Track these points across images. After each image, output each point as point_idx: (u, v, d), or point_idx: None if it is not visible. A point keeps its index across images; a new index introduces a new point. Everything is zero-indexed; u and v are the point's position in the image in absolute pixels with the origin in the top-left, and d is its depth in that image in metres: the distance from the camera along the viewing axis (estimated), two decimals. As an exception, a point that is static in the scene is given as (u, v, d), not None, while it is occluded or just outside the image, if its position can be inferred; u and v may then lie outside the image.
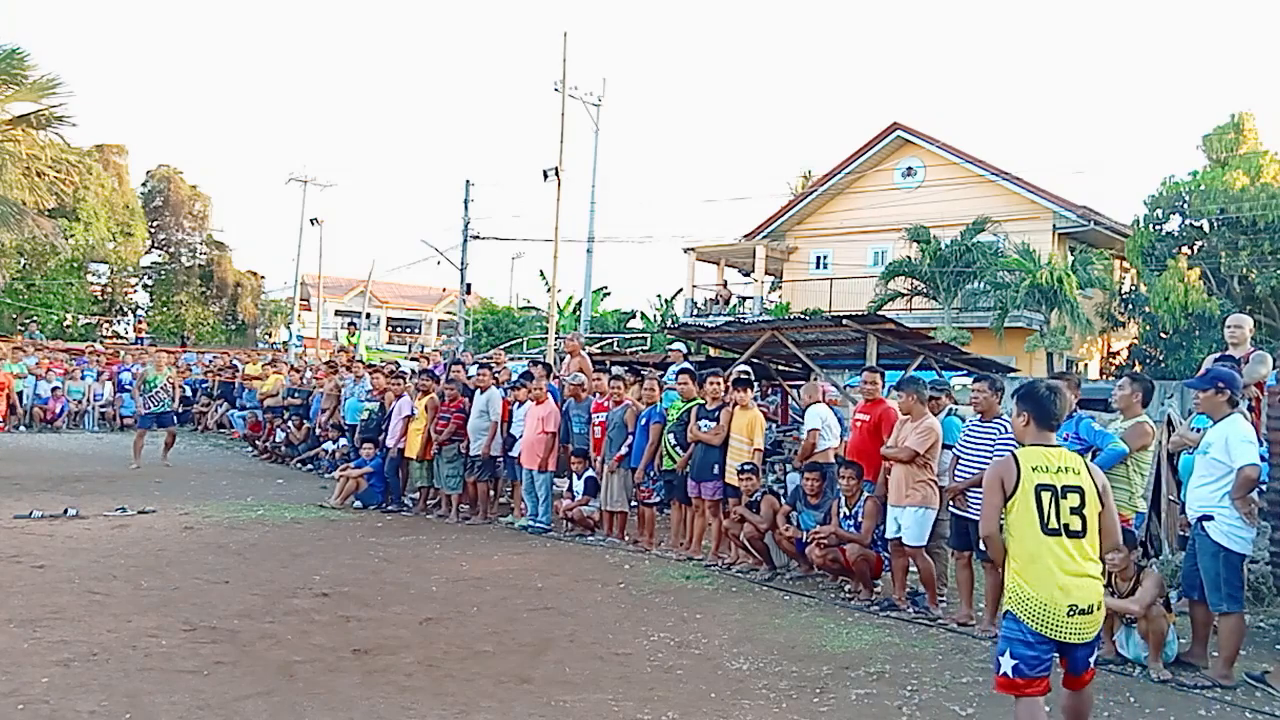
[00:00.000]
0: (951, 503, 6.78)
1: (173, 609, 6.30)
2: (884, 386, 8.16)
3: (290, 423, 16.17)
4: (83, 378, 21.34)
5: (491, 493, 11.01)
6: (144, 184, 41.12)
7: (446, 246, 29.09)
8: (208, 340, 38.30)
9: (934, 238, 22.91)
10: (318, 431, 15.24)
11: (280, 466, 15.57)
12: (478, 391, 10.76)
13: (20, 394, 19.63)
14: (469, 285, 31.83)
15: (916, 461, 6.85)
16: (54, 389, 20.16)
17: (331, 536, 9.47)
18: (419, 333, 52.62)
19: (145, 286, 41.47)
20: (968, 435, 6.84)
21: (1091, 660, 3.91)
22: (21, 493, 11.02)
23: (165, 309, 40.25)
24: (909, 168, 26.87)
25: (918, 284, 23.30)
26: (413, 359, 21.02)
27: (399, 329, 53.75)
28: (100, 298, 38.59)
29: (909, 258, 23.41)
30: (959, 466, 6.75)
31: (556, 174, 22.98)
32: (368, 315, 46.91)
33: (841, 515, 7.48)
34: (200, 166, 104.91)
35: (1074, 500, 3.80)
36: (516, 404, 10.52)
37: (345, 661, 5.38)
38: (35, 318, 33.36)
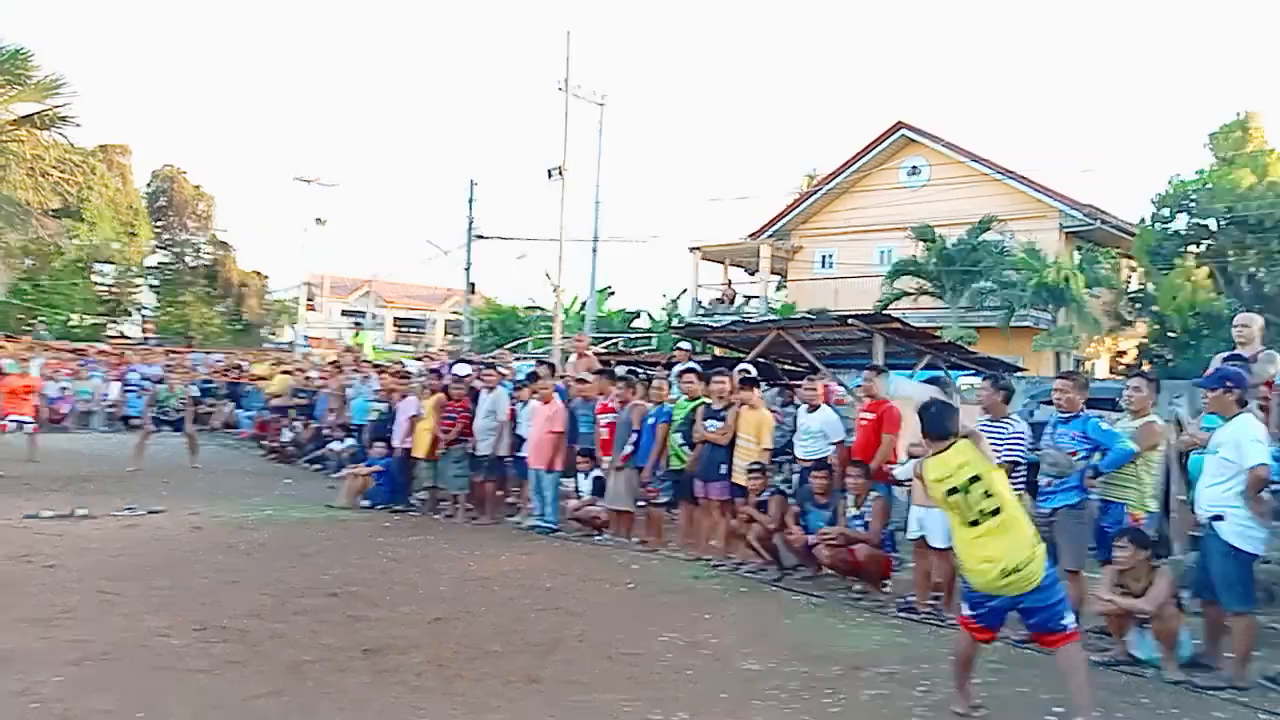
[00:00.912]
0: None
1: (183, 608, 6.31)
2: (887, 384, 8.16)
3: (297, 423, 16.20)
4: (90, 378, 21.40)
5: (499, 492, 11.01)
6: (148, 184, 41.31)
7: (451, 246, 29.12)
8: (213, 340, 38.38)
9: (940, 236, 22.89)
10: (324, 431, 15.27)
11: (288, 466, 15.59)
12: (484, 391, 10.76)
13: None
14: (473, 285, 31.89)
15: None
16: (62, 389, 20.22)
17: (340, 536, 9.48)
18: (426, 332, 52.66)
19: (151, 286, 41.62)
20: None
21: (1052, 621, 4.53)
22: (31, 492, 11.06)
23: (171, 309, 40.39)
24: (914, 166, 26.86)
25: (924, 283, 23.28)
26: (418, 358, 21.04)
27: (405, 328, 53.80)
28: (106, 298, 38.71)
29: (915, 257, 23.39)
30: None
31: (561, 173, 23.03)
32: (374, 315, 47.00)
33: (849, 515, 7.48)
34: (204, 166, 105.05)
35: (980, 488, 4.51)
36: (521, 404, 10.53)
37: (355, 661, 5.38)
38: (43, 318, 33.45)
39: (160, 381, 16.83)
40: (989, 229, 22.71)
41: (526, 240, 54.04)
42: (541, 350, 24.77)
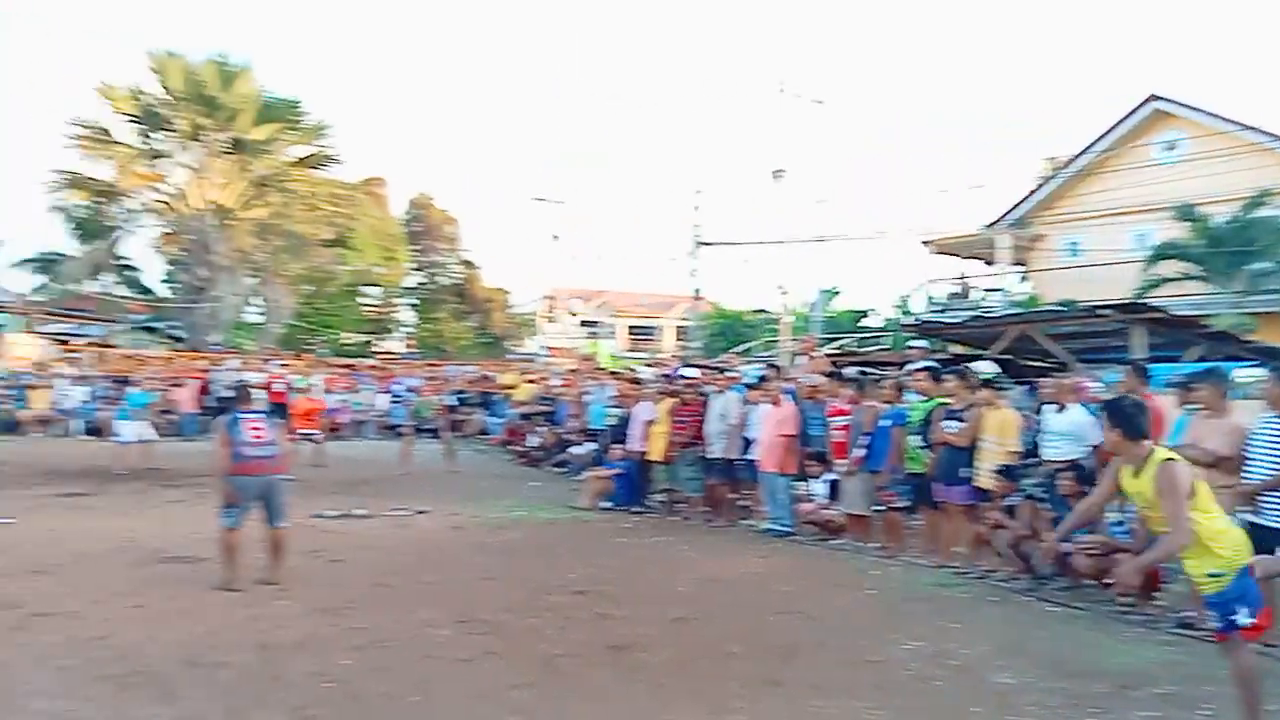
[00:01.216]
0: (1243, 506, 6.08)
1: (447, 602, 6.82)
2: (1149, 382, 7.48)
3: (542, 428, 17.09)
4: (361, 390, 23.61)
5: (731, 495, 11.10)
6: (404, 212, 45.01)
7: (678, 254, 29.66)
8: (465, 353, 41.26)
9: (1205, 215, 20.71)
10: (566, 436, 16.01)
11: (535, 470, 16.49)
12: (716, 395, 10.88)
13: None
14: (699, 291, 32.30)
15: (1223, 466, 6.17)
16: (339, 401, 22.45)
17: (584, 536, 9.91)
18: (657, 339, 53.90)
19: (410, 305, 45.35)
20: (1260, 431, 6.12)
21: None
22: (317, 495, 12.34)
23: (428, 325, 43.83)
24: (1170, 141, 24.46)
25: (1189, 267, 21.13)
26: (650, 365, 21.63)
27: (638, 336, 55.29)
28: (372, 317, 42.60)
29: (1178, 239, 21.29)
30: (1248, 466, 6.06)
31: (783, 175, 22.92)
32: (608, 324, 48.70)
33: (1111, 522, 6.92)
34: (450, 191, 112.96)
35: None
36: (751, 406, 10.55)
37: (602, 657, 5.61)
38: (321, 337, 37.32)
39: (418, 393, 18.37)
40: (1263, 204, 20.28)
41: (752, 244, 54.01)
42: (770, 354, 24.69)
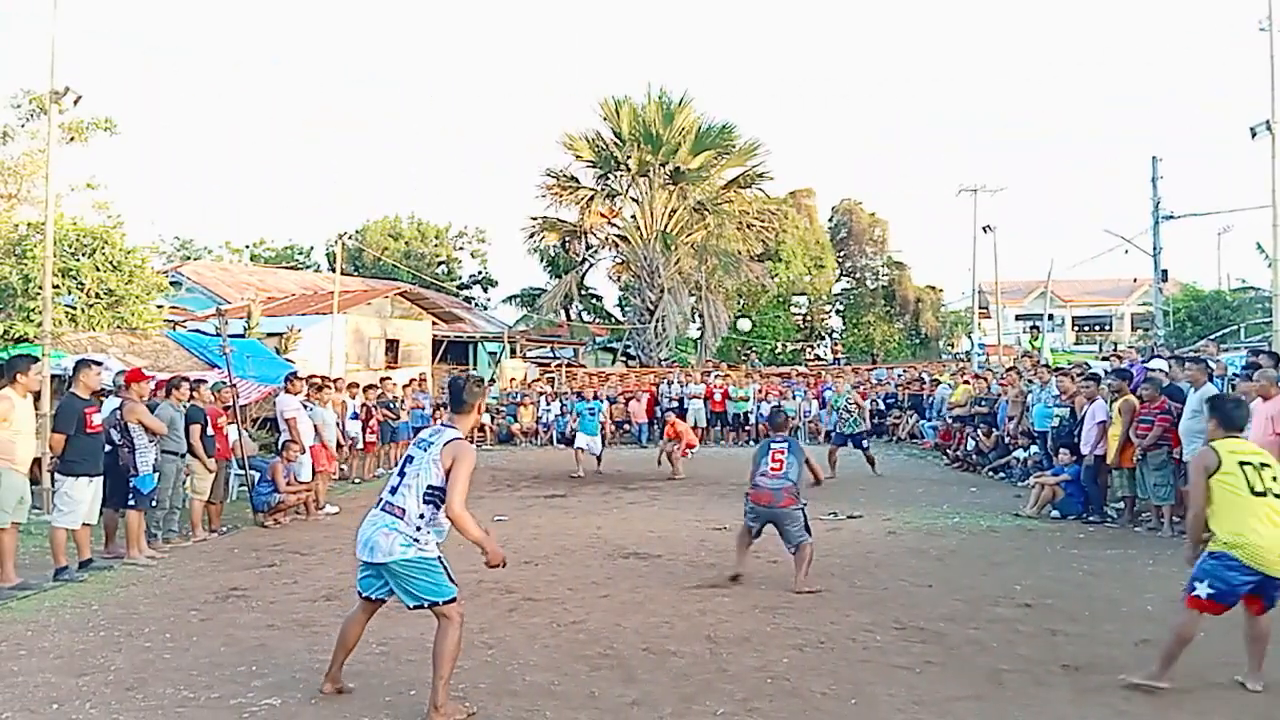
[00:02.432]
0: None
1: (883, 607, 6.78)
2: None
3: (979, 431, 16.26)
4: (794, 397, 24.27)
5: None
6: (830, 219, 45.50)
7: (1134, 232, 26.47)
8: (894, 356, 40.60)
9: None
10: (1006, 439, 15.07)
11: (972, 475, 15.74)
12: (1191, 388, 9.57)
13: (748, 414, 23.15)
14: (1165, 272, 28.51)
15: None
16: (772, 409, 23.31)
17: (1030, 546, 9.27)
18: (1109, 330, 48.65)
19: (837, 312, 45.71)
20: None
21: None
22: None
23: (855, 330, 43.83)
24: None
25: None
26: (1104, 358, 19.55)
27: (1086, 328, 50.40)
28: (801, 326, 43.61)
29: None
30: None
31: (1268, 127, 19.42)
32: (1050, 316, 44.92)
33: None
34: (876, 193, 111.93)
35: (1271, 473, 4.79)
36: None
37: (1054, 676, 5.21)
38: (754, 348, 39.02)
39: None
40: None
41: (1228, 213, 46.49)
42: (1258, 338, 21.06)
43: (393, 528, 4.61)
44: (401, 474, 4.73)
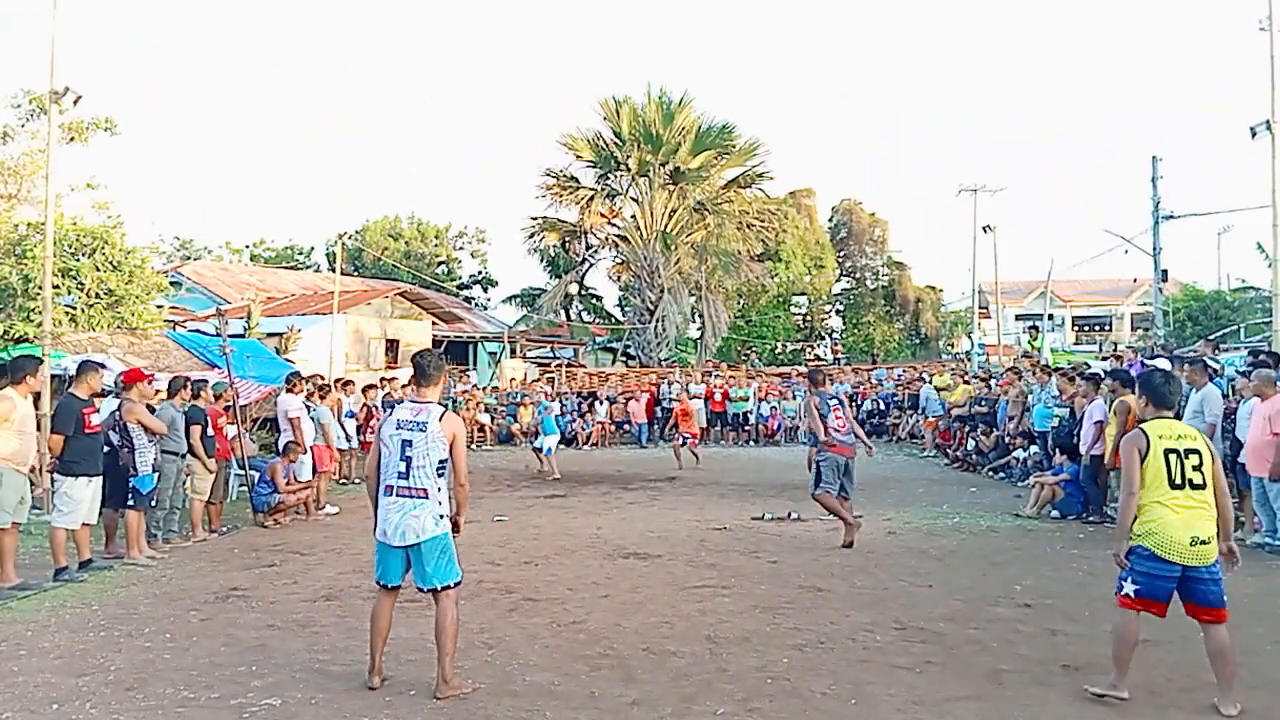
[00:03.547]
0: None
1: (883, 607, 6.78)
2: None
3: (979, 431, 16.27)
4: (794, 397, 24.27)
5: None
6: (830, 219, 45.47)
7: (1134, 232, 26.46)
8: (894, 356, 40.58)
9: None
10: (1006, 439, 15.08)
11: (971, 475, 15.75)
12: (1192, 390, 9.58)
13: (748, 414, 23.13)
14: (1165, 272, 28.51)
15: None
16: (772, 409, 23.29)
17: (1030, 546, 9.27)
18: (1109, 330, 48.64)
19: (837, 312, 45.68)
20: None
21: (1215, 597, 4.65)
22: (755, 498, 12.95)
23: (855, 330, 43.81)
24: None
25: None
26: (1103, 358, 19.56)
27: (1086, 328, 50.39)
28: (801, 326, 43.59)
29: None
30: None
31: (1268, 127, 19.43)
32: (1050, 316, 44.93)
33: None
34: (876, 193, 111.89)
35: (1194, 462, 4.71)
36: (1242, 400, 9.11)
37: (1054, 676, 5.21)
38: (754, 348, 39.00)
39: (851, 398, 18.40)
40: None
41: (1228, 213, 46.51)
42: (1257, 339, 21.06)
43: (423, 508, 4.89)
44: (406, 458, 4.91)
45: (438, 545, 4.91)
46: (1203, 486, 4.68)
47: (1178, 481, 4.66)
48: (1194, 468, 4.69)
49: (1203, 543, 4.60)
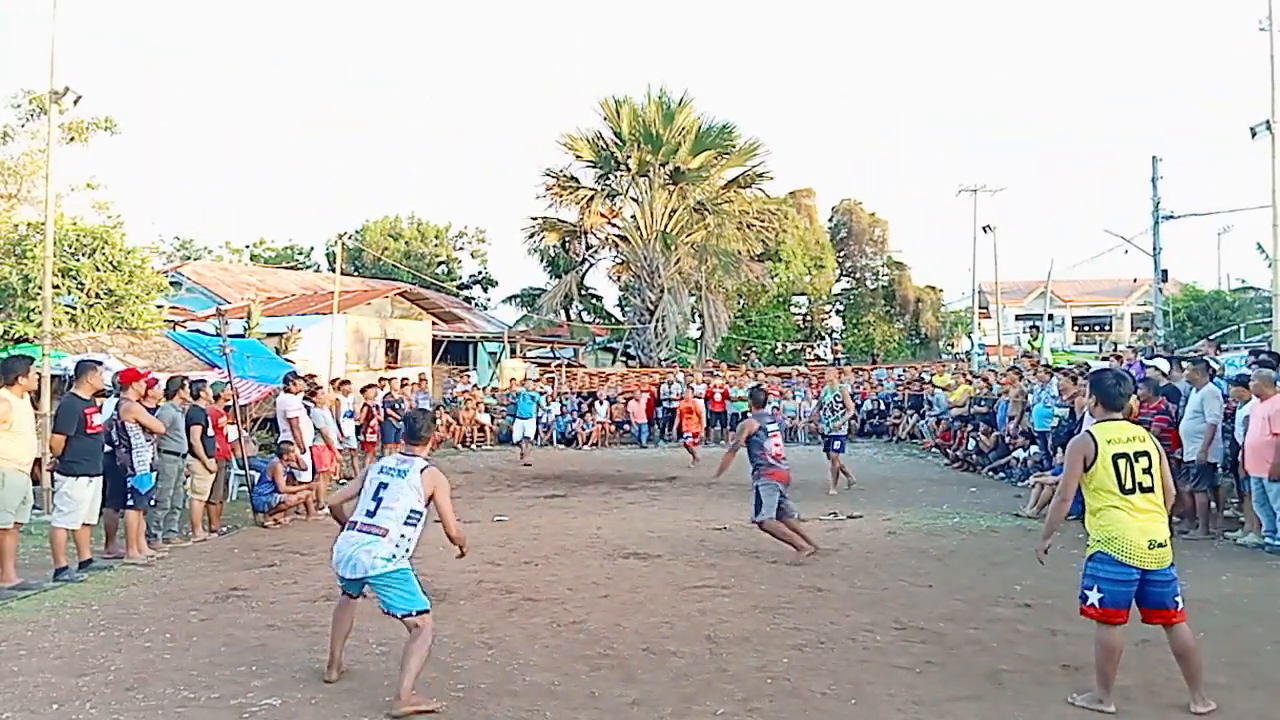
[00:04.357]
0: None
1: (883, 607, 6.78)
2: None
3: (979, 431, 16.26)
4: (794, 397, 24.26)
5: (1213, 505, 9.66)
6: (830, 219, 45.45)
7: (1134, 232, 26.46)
8: (894, 356, 40.57)
9: None
10: (1006, 439, 15.08)
11: (972, 475, 15.74)
12: (1192, 389, 9.58)
13: (747, 414, 23.08)
14: (1165, 272, 28.53)
15: None
16: (772, 408, 23.26)
17: (1030, 546, 9.16)
18: (1109, 330, 48.65)
19: (837, 312, 45.67)
20: None
21: (1170, 600, 4.66)
22: (755, 498, 12.92)
23: (855, 330, 43.80)
24: None
25: None
26: (1104, 359, 19.55)
27: (1086, 328, 50.40)
28: (801, 326, 43.58)
29: None
30: None
31: (1268, 127, 19.43)
32: (1050, 316, 44.96)
33: None
34: (876, 193, 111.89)
35: (1143, 464, 4.67)
36: (1240, 403, 9.10)
37: (1054, 676, 5.21)
38: (754, 348, 38.98)
39: (851, 398, 18.30)
40: None
41: (1228, 213, 46.46)
42: (1258, 339, 21.06)
43: (376, 545, 4.94)
44: (377, 499, 5.04)
45: (390, 579, 4.94)
46: (1152, 489, 4.66)
47: (1128, 486, 4.62)
48: (1144, 470, 4.66)
49: (1160, 545, 4.60)
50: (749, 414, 9.36)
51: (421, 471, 5.07)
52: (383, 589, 4.95)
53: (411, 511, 5.01)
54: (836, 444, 13.76)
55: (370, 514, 5.02)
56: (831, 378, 15.18)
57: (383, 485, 5.07)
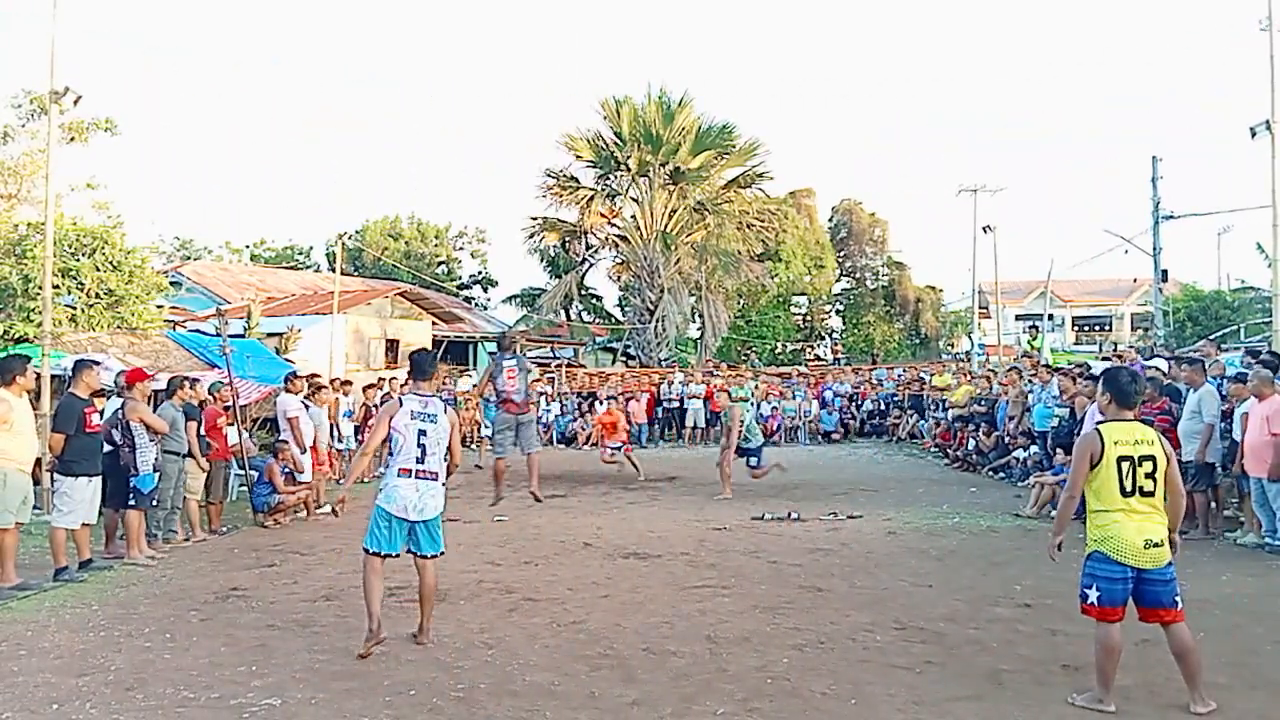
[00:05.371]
0: None
1: (883, 607, 6.78)
2: None
3: (979, 431, 16.26)
4: (794, 397, 24.26)
5: (1213, 505, 9.66)
6: (830, 219, 45.43)
7: (1134, 232, 26.46)
8: (894, 356, 40.55)
9: None
10: (1006, 439, 15.07)
11: (972, 475, 15.74)
12: (1189, 390, 9.57)
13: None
14: (1165, 272, 28.53)
15: None
16: (772, 409, 23.26)
17: (1030, 546, 9.25)
18: (1109, 330, 48.65)
19: (837, 312, 45.65)
20: None
21: (1168, 598, 4.67)
22: (755, 498, 12.94)
23: (855, 330, 43.78)
24: None
25: None
26: (1104, 359, 19.55)
27: (1086, 328, 50.40)
28: (801, 326, 43.56)
29: None
30: None
31: (1268, 127, 19.44)
32: (1050, 316, 44.95)
33: None
34: (876, 193, 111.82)
35: (1147, 469, 4.66)
36: (1239, 401, 9.11)
37: (1054, 676, 5.21)
38: (754, 348, 38.96)
39: (852, 399, 18.33)
40: None
41: (1228, 213, 46.42)
42: (1257, 339, 21.06)
43: (437, 490, 5.75)
44: (420, 445, 5.68)
45: (437, 521, 5.80)
46: (1152, 494, 4.67)
47: (1128, 489, 4.65)
48: (1146, 475, 4.66)
49: (1155, 545, 4.62)
50: (491, 356, 10.99)
51: (445, 413, 5.81)
52: (431, 530, 5.72)
53: (446, 451, 5.80)
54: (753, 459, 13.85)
55: (420, 460, 5.66)
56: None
57: (422, 432, 5.68)
